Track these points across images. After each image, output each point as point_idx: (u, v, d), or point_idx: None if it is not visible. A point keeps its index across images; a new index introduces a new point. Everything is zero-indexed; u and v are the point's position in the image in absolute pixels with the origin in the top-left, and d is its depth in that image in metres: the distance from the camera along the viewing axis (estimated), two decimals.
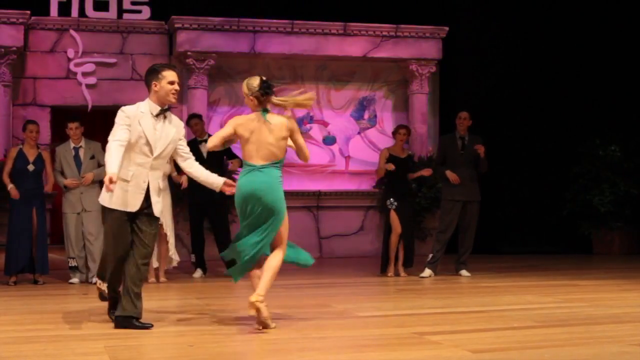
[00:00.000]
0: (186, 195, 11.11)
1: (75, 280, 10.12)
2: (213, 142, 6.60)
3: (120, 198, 6.37)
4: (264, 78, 6.78)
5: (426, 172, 11.17)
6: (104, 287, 6.71)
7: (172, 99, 6.55)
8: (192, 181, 10.40)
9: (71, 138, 10.31)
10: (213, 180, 6.76)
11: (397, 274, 10.84)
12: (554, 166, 14.94)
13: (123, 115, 6.40)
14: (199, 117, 11.33)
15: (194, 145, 10.53)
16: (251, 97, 6.67)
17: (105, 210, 6.49)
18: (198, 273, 10.93)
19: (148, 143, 6.40)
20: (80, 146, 10.29)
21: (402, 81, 15.10)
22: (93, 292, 9.19)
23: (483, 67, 14.98)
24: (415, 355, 5.36)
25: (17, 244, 10.01)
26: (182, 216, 12.66)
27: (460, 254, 11.02)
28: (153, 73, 6.59)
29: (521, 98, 14.90)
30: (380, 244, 11.66)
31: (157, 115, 6.49)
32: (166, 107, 6.56)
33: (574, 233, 14.87)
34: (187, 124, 10.92)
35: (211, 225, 11.15)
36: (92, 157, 10.24)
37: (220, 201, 10.45)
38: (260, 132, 6.57)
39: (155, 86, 6.52)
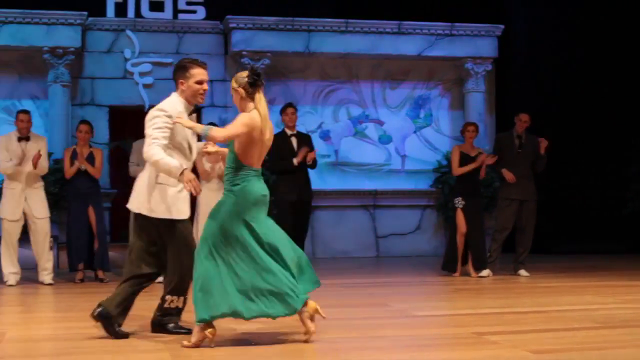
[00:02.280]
0: (275, 193, 10.59)
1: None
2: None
3: (176, 205, 5.94)
4: (255, 67, 6.32)
5: (490, 159, 10.82)
6: (179, 302, 6.16)
7: (200, 99, 6.09)
8: (283, 179, 10.46)
9: None
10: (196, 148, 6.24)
11: (466, 274, 10.74)
12: (613, 165, 14.75)
13: (164, 117, 5.86)
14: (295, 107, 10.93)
15: (284, 139, 10.47)
16: (238, 89, 5.80)
17: (167, 224, 5.94)
18: None
19: (189, 145, 6.04)
20: None
21: (457, 80, 15.03)
22: (155, 290, 9.32)
23: (539, 65, 14.85)
24: (474, 356, 5.34)
25: (76, 241, 10.19)
26: None
27: (519, 253, 10.95)
28: (181, 70, 6.09)
29: (579, 96, 14.74)
30: (437, 243, 11.62)
31: (190, 114, 6.08)
32: (195, 106, 6.16)
33: (635, 233, 14.68)
34: (283, 112, 10.66)
35: (295, 225, 10.38)
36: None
37: (309, 200, 10.32)
38: (265, 132, 5.85)
39: (182, 84, 6.03)
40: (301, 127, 12.67)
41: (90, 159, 10.34)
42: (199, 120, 12.24)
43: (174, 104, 5.98)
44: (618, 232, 14.80)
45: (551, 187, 13.34)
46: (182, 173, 5.65)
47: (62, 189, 11.80)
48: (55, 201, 11.81)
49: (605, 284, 9.82)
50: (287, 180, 10.26)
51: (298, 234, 10.31)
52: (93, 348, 5.58)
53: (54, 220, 10.69)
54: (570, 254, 14.12)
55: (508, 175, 10.71)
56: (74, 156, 10.33)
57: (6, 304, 8.45)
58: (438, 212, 13.90)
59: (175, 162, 5.73)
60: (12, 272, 9.80)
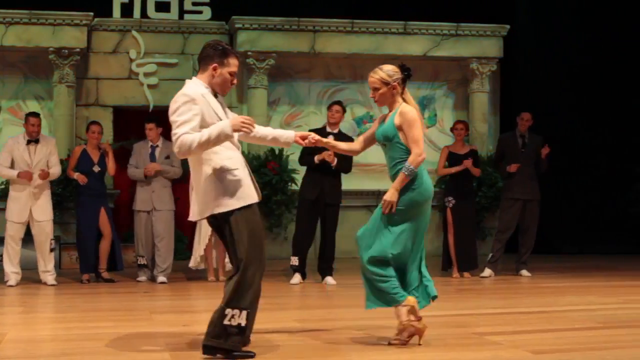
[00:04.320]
0: (300, 190, 10.44)
1: (143, 278, 10.26)
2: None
3: (241, 188, 5.21)
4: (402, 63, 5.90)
5: (514, 168, 10.74)
6: (242, 318, 5.16)
7: (225, 93, 5.46)
8: (307, 177, 10.32)
9: (149, 137, 10.43)
10: (282, 133, 5.86)
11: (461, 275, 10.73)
12: (617, 165, 14.71)
13: (190, 102, 5.14)
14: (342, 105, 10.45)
15: (322, 134, 10.31)
16: (394, 84, 5.71)
17: (231, 216, 5.20)
18: (297, 278, 10.05)
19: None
20: (157, 145, 10.40)
21: (462, 80, 15.01)
22: (157, 290, 9.32)
23: (545, 66, 14.82)
24: (475, 356, 5.32)
25: (86, 243, 10.18)
26: None
27: (521, 253, 10.94)
28: (219, 53, 5.36)
29: (583, 96, 14.70)
30: (440, 243, 11.58)
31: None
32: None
33: (637, 233, 14.64)
34: (329, 109, 10.26)
35: (322, 227, 10.16)
36: (167, 157, 10.32)
37: (334, 200, 10.04)
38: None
39: (216, 70, 5.33)
40: (305, 128, 12.64)
41: (103, 161, 10.31)
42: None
43: (196, 86, 5.30)
44: (622, 233, 14.75)
45: (555, 187, 13.31)
46: (232, 126, 5.08)
47: (65, 189, 11.81)
48: (58, 202, 11.80)
49: (607, 284, 9.80)
50: (311, 178, 10.06)
51: (325, 235, 10.15)
52: (93, 348, 5.58)
53: (56, 222, 10.65)
54: (573, 254, 14.11)
55: (512, 167, 10.67)
56: (84, 157, 10.30)
57: (7, 304, 8.45)
58: (440, 213, 13.87)
59: (214, 127, 5.09)
60: (13, 272, 9.81)
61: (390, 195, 5.59)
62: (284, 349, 5.57)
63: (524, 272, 10.80)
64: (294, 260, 10.03)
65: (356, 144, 6.13)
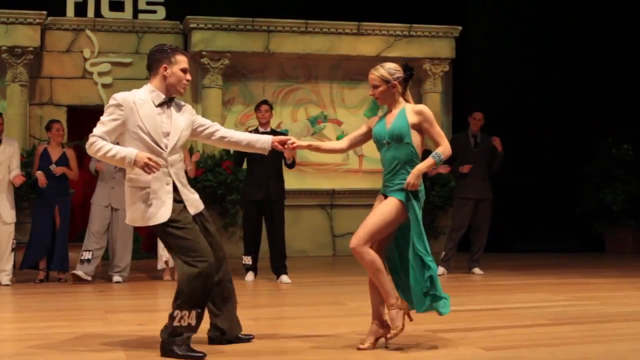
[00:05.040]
0: (243, 192, 10.59)
1: (80, 272, 10.04)
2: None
3: (150, 209, 5.28)
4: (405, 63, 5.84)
5: (444, 169, 11.01)
6: (191, 318, 5.25)
7: (182, 90, 5.45)
8: (249, 178, 10.34)
9: None
10: (258, 138, 5.79)
11: None
12: (567, 165, 14.89)
13: (115, 106, 5.28)
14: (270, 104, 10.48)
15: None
16: (395, 83, 5.66)
17: (155, 229, 5.35)
18: (250, 276, 10.10)
19: (151, 137, 5.29)
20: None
21: (415, 80, 15.00)
22: (112, 290, 9.27)
23: (496, 67, 14.95)
24: (428, 353, 5.38)
25: (37, 241, 10.08)
26: None
27: (473, 252, 11.03)
28: (164, 54, 5.41)
29: (533, 97, 14.86)
30: None
31: (160, 105, 5.37)
32: (172, 96, 5.44)
33: (587, 231, 14.84)
34: (257, 109, 10.24)
35: (268, 226, 10.15)
36: None
37: (280, 199, 10.06)
38: None
39: (166, 70, 5.35)
40: None
41: (63, 159, 10.21)
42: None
43: (134, 92, 5.37)
44: (571, 231, 14.94)
45: (506, 187, 13.43)
46: (135, 160, 5.14)
47: (19, 189, 11.69)
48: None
49: (557, 281, 9.92)
50: (254, 179, 10.08)
51: (273, 234, 10.11)
52: (48, 348, 5.55)
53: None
54: (524, 253, 14.24)
55: (465, 167, 10.76)
56: (44, 156, 10.20)
57: None
58: None
59: (123, 151, 5.20)
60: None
61: (416, 177, 5.44)
62: (237, 348, 5.58)
63: (476, 270, 10.89)
64: (247, 259, 10.09)
65: (341, 143, 5.96)
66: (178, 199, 5.35)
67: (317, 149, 6.10)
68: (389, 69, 5.63)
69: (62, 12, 13.71)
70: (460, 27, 14.72)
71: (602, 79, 14.83)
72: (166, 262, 10.15)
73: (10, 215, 9.88)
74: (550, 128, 14.89)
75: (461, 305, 7.76)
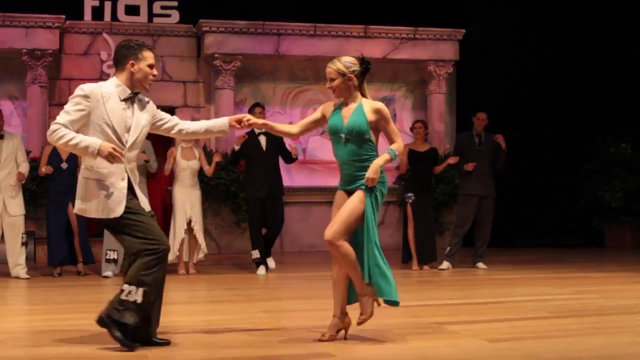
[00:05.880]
0: (246, 190, 10.67)
1: (109, 272, 10.11)
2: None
3: (107, 201, 5.23)
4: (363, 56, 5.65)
5: (452, 160, 10.97)
6: (138, 295, 5.18)
7: (148, 86, 5.40)
8: (251, 176, 10.44)
9: None
10: (215, 123, 5.71)
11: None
12: (567, 163, 14.88)
13: (82, 97, 5.25)
14: (262, 107, 10.64)
15: (254, 138, 10.36)
16: (351, 76, 5.52)
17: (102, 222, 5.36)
18: (262, 270, 10.19)
19: (115, 131, 5.24)
20: None
21: (420, 81, 15.08)
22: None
23: (498, 68, 14.95)
24: (434, 344, 5.38)
25: (55, 237, 10.12)
26: (211, 211, 12.80)
27: (477, 247, 11.03)
28: (131, 50, 5.35)
29: (534, 98, 14.86)
30: (400, 237, 11.65)
31: (125, 100, 5.32)
32: (136, 92, 5.39)
33: (587, 227, 14.82)
34: (251, 112, 10.21)
35: (268, 216, 10.30)
36: (143, 152, 9.93)
37: (280, 194, 10.36)
38: None
39: (133, 66, 5.31)
40: None
41: (72, 158, 10.20)
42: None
43: (101, 84, 5.35)
44: (572, 227, 14.93)
45: (509, 184, 13.42)
46: (99, 149, 5.07)
47: (39, 186, 11.72)
48: (32, 198, 11.76)
49: (558, 275, 9.91)
50: (256, 178, 10.22)
51: (273, 228, 10.40)
52: (68, 340, 5.56)
53: (30, 217, 10.57)
54: (527, 248, 14.22)
55: (469, 165, 10.76)
56: (53, 155, 10.21)
57: None
58: (400, 208, 13.93)
59: (87, 140, 5.12)
60: None
61: (375, 172, 5.44)
62: (248, 340, 5.60)
63: (480, 265, 10.89)
64: (255, 253, 10.22)
65: (294, 128, 5.85)
66: (131, 196, 5.30)
67: (271, 129, 5.92)
68: (346, 62, 5.53)
69: (80, 16, 13.74)
70: (463, 30, 14.71)
71: (601, 81, 14.80)
72: (178, 257, 10.19)
73: (16, 207, 9.85)
74: (551, 127, 14.88)
75: (465, 299, 7.78)
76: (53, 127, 5.13)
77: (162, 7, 14.13)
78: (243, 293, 8.44)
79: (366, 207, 5.44)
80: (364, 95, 5.61)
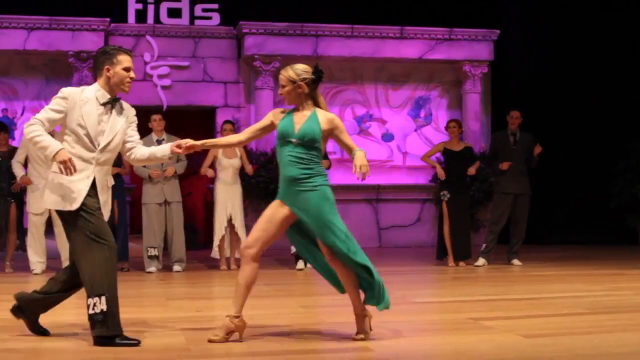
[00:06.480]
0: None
1: (152, 269, 10.15)
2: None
3: (71, 194, 5.22)
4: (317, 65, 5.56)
5: (472, 170, 10.83)
6: (102, 304, 5.14)
7: (127, 88, 5.44)
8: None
9: (154, 130, 10.34)
10: (158, 149, 5.63)
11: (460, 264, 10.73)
12: (601, 161, 14.73)
13: (61, 98, 5.29)
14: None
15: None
16: (301, 84, 5.39)
17: (61, 214, 5.29)
18: (300, 264, 10.25)
19: (88, 134, 5.25)
20: (163, 139, 10.13)
21: (455, 81, 15.04)
22: (172, 279, 9.33)
23: (533, 67, 14.86)
24: (470, 339, 5.35)
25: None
26: (251, 208, 12.84)
27: (512, 244, 10.95)
28: (106, 56, 5.42)
29: (569, 96, 14.73)
30: (436, 234, 11.60)
31: (104, 104, 5.34)
32: (117, 97, 5.43)
33: (621, 225, 14.67)
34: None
35: None
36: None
37: None
38: None
39: (109, 71, 5.36)
40: None
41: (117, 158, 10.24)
42: (213, 120, 12.18)
43: (83, 88, 5.40)
44: (606, 224, 14.78)
45: (544, 182, 13.33)
46: (57, 153, 5.10)
47: None
48: None
49: (593, 272, 9.82)
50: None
51: None
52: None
53: None
54: (562, 245, 14.11)
55: (504, 164, 10.70)
56: None
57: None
58: (436, 206, 13.89)
59: (50, 142, 5.15)
60: (38, 261, 9.84)
61: (363, 159, 5.45)
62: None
63: (515, 262, 10.82)
64: (294, 248, 10.11)
65: (240, 136, 5.67)
66: (94, 197, 5.27)
67: (214, 146, 5.92)
68: (297, 70, 5.40)
69: (124, 19, 13.87)
70: (498, 31, 14.65)
71: (635, 79, 14.64)
72: (219, 252, 10.21)
73: (38, 206, 9.80)
74: (585, 126, 14.74)
75: (501, 295, 7.74)
76: (31, 121, 5.22)
77: (204, 10, 14.22)
78: (283, 288, 8.46)
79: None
80: (317, 104, 5.49)
